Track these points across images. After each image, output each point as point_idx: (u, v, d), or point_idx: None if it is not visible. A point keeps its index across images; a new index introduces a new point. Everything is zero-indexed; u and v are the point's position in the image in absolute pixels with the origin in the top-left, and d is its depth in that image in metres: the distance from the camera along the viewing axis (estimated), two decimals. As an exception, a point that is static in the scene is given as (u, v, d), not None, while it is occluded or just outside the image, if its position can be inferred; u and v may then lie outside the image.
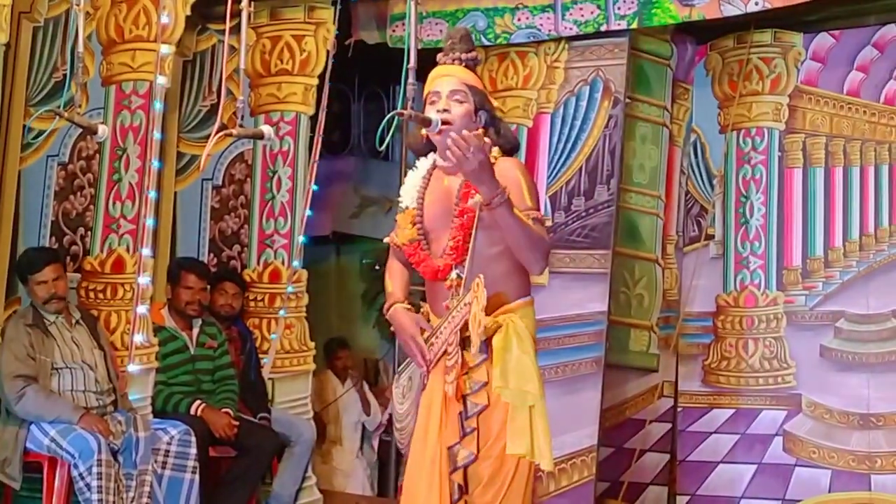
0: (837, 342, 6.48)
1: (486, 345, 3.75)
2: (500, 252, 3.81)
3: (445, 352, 3.81)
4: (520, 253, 3.76)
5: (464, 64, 3.96)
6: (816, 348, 6.53)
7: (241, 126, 4.24)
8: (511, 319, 3.78)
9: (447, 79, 3.92)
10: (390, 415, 6.80)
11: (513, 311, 3.81)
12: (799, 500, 6.40)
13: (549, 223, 6.57)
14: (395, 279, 4.06)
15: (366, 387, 7.99)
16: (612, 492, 6.64)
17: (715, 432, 6.68)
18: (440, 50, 4.00)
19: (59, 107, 5.30)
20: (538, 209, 3.83)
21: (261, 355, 6.70)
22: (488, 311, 3.71)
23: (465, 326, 3.75)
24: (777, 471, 6.49)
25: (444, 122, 3.83)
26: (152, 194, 6.03)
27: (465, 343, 3.78)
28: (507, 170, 3.82)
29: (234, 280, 6.68)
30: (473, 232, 3.79)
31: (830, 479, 6.36)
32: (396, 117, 3.66)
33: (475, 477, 3.80)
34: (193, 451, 5.76)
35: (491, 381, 3.75)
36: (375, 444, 7.98)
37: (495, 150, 3.91)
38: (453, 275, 3.84)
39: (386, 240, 4.07)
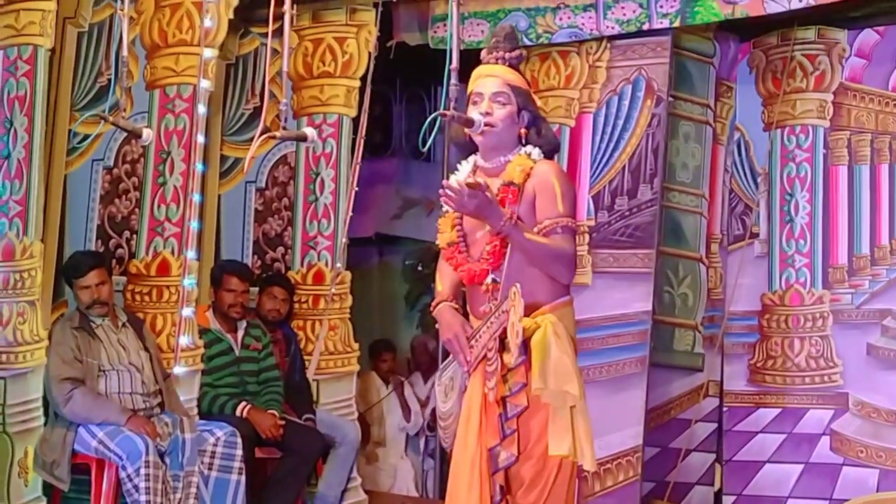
0: (885, 340, 6.44)
1: (525, 346, 3.75)
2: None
3: (485, 356, 3.82)
4: (542, 269, 3.78)
5: (507, 63, 3.95)
6: (863, 347, 6.48)
7: (284, 129, 4.23)
8: (549, 320, 3.78)
9: (491, 79, 3.91)
10: (433, 411, 6.82)
11: (551, 312, 3.81)
12: (846, 500, 6.36)
13: (592, 223, 6.56)
14: (444, 279, 4.06)
15: (407, 392, 7.98)
16: (658, 492, 6.62)
17: (761, 432, 6.65)
18: (482, 51, 4.00)
19: (103, 111, 5.34)
20: (571, 215, 3.82)
21: (305, 357, 6.72)
22: (526, 313, 3.72)
23: (505, 332, 3.75)
24: (824, 470, 6.45)
25: (487, 125, 3.84)
26: (196, 197, 6.06)
27: (504, 347, 3.78)
28: (544, 174, 3.84)
29: (282, 285, 6.69)
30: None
31: (878, 479, 6.32)
32: (439, 118, 3.66)
33: (517, 478, 3.80)
34: (239, 452, 5.79)
35: (530, 382, 3.75)
36: (421, 443, 7.98)
37: (536, 153, 3.91)
38: (489, 279, 3.85)
39: (438, 242, 4.09)
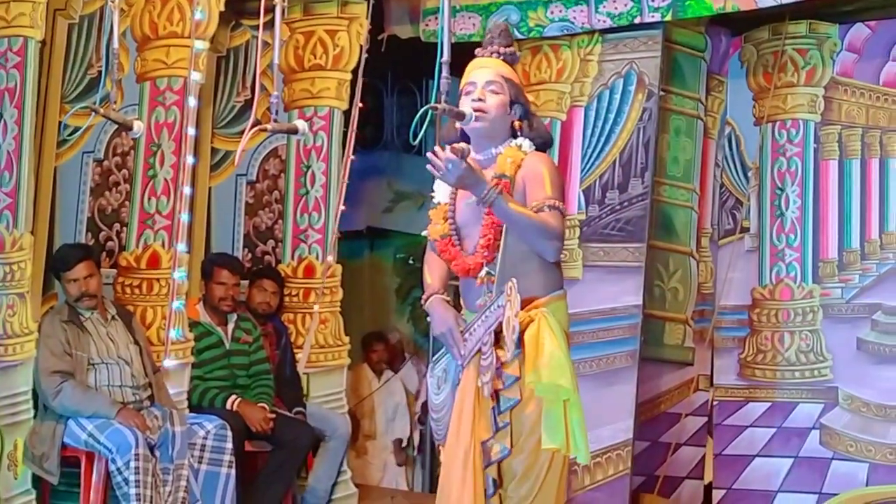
0: (874, 335, 6.44)
1: (519, 340, 3.75)
2: (530, 249, 3.83)
3: (479, 350, 3.82)
4: (527, 242, 3.78)
5: (502, 58, 3.98)
6: (853, 341, 6.48)
7: (275, 121, 4.24)
8: (543, 314, 3.78)
9: (484, 70, 3.94)
10: (424, 403, 6.83)
11: (545, 306, 3.81)
12: (836, 494, 6.36)
13: (582, 217, 6.56)
14: (433, 271, 4.07)
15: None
16: (648, 486, 6.62)
17: (751, 426, 6.65)
18: (474, 44, 4.03)
19: (94, 103, 5.32)
20: (559, 198, 3.84)
21: (295, 350, 6.72)
22: (520, 307, 3.72)
23: (500, 327, 3.75)
24: (814, 464, 6.45)
25: (479, 111, 3.86)
26: (187, 190, 6.05)
27: (498, 341, 3.78)
28: (533, 163, 3.88)
29: (272, 277, 6.69)
30: (504, 229, 3.81)
31: (868, 473, 6.32)
32: (430, 111, 3.67)
33: (509, 471, 3.81)
34: (229, 445, 5.79)
35: (524, 375, 3.75)
36: (416, 435, 8.00)
37: (527, 144, 3.93)
38: (483, 272, 3.85)
39: (423, 233, 4.09)
